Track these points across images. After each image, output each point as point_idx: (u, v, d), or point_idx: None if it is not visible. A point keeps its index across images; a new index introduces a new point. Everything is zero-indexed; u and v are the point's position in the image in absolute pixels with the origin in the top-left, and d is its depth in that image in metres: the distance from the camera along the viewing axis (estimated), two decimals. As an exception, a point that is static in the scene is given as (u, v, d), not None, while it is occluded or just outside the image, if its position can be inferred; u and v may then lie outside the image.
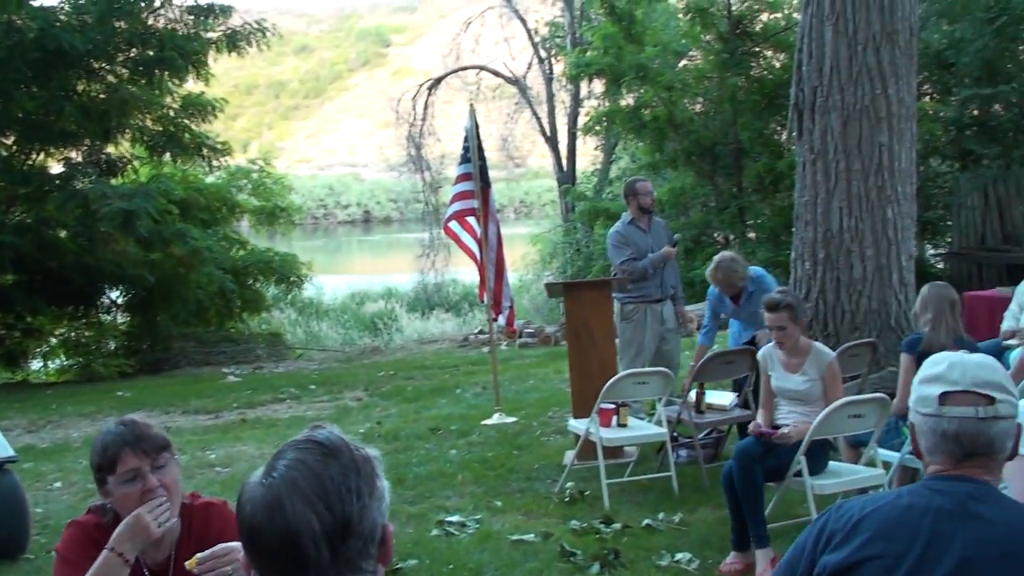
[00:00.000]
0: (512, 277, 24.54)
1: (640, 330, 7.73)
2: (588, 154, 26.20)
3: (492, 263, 8.80)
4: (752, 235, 18.54)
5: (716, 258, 7.08)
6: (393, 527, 1.70)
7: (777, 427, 5.21)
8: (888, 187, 7.83)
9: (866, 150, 7.79)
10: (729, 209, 18.20)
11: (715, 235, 19.13)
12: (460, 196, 8.84)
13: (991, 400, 2.05)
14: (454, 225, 8.87)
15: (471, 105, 9.03)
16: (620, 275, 7.80)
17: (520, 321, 17.72)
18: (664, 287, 7.76)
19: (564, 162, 25.42)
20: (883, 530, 2.00)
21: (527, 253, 26.66)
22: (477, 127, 8.89)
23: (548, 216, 32.88)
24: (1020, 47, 18.51)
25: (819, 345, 5.42)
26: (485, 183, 8.87)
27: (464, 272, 25.43)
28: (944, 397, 2.09)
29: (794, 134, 8.38)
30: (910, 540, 1.97)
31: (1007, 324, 6.97)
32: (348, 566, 1.62)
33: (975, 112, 18.84)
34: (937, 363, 2.16)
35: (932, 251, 20.97)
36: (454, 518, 5.87)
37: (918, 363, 5.36)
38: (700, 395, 6.73)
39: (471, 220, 8.76)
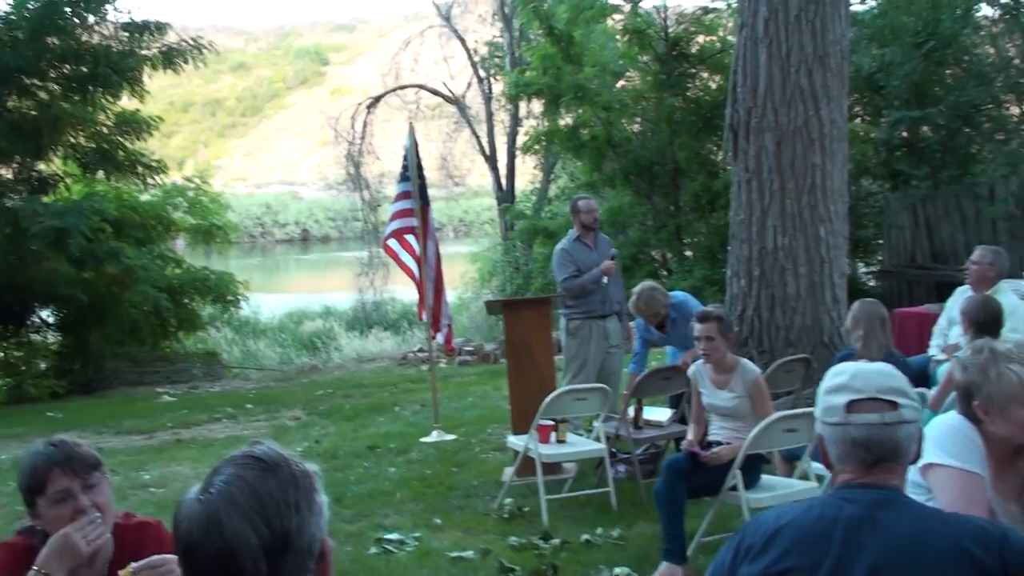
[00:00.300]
0: (451, 295, 24.62)
1: (585, 346, 7.80)
2: (527, 173, 26.35)
3: (431, 281, 8.80)
4: (689, 253, 18.77)
5: (636, 289, 7.12)
6: (332, 543, 1.70)
7: (710, 443, 5.28)
8: (821, 206, 8.00)
9: (799, 170, 7.96)
10: (666, 228, 18.40)
11: (652, 253, 19.34)
12: (399, 214, 8.84)
13: (895, 405, 2.12)
14: (393, 243, 8.86)
15: (410, 124, 9.04)
16: (563, 292, 7.91)
17: (459, 339, 17.72)
18: (609, 303, 7.82)
19: (503, 181, 25.51)
20: (797, 542, 2.04)
21: (466, 271, 26.67)
22: (416, 146, 8.91)
23: (488, 235, 32.97)
24: (947, 71, 19.00)
25: (745, 362, 5.51)
26: (424, 201, 8.88)
27: (403, 290, 25.32)
28: (851, 405, 2.15)
29: (729, 154, 8.52)
30: (823, 551, 2.01)
31: (936, 339, 7.14)
32: None
33: (904, 134, 19.29)
34: (840, 373, 2.22)
35: (864, 269, 21.38)
36: (393, 536, 5.84)
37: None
38: (638, 411, 6.80)
39: (410, 238, 8.76)
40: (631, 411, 6.76)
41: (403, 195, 8.83)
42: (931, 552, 1.95)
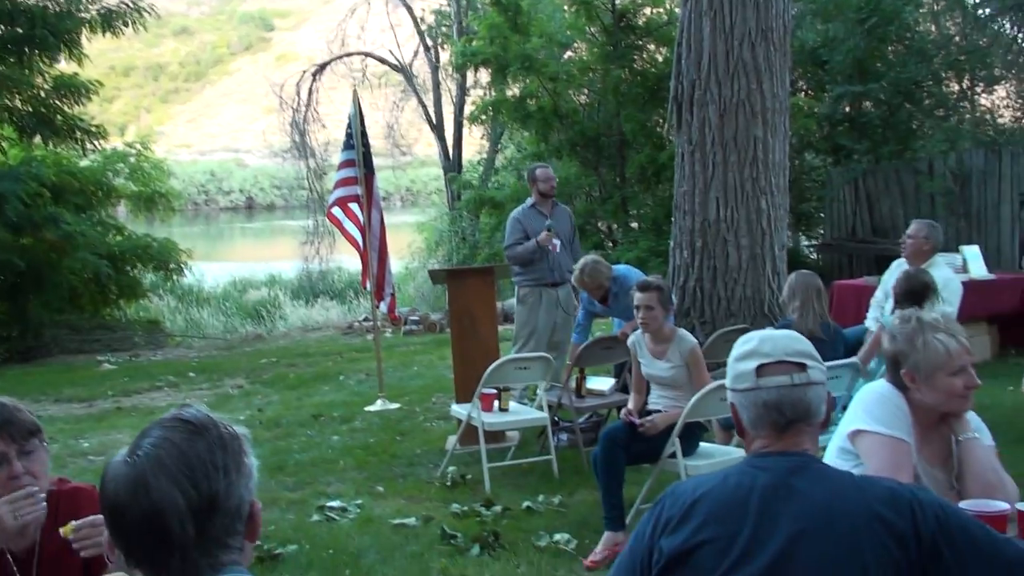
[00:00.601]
0: (398, 265, 24.59)
1: (534, 313, 7.94)
2: (474, 143, 26.23)
3: (375, 250, 8.78)
4: (635, 225, 18.89)
5: (580, 263, 7.10)
6: (261, 505, 1.71)
7: (649, 412, 5.36)
8: (762, 179, 8.09)
9: (741, 143, 8.03)
10: (612, 199, 18.49)
11: (599, 224, 19.42)
12: (343, 182, 8.79)
13: (803, 367, 2.17)
14: (337, 211, 8.82)
15: (354, 91, 8.97)
16: (507, 259, 8.10)
17: (405, 308, 17.69)
18: (560, 271, 7.90)
19: (450, 151, 25.39)
20: (714, 513, 2.07)
21: (413, 241, 26.58)
22: (361, 113, 8.84)
23: (435, 204, 32.82)
24: (889, 47, 19.23)
25: (682, 332, 5.58)
26: (368, 170, 8.83)
27: (349, 259, 25.13)
28: (760, 369, 2.20)
29: (673, 126, 8.57)
30: (740, 520, 2.04)
31: (873, 311, 7.28)
32: (215, 543, 1.62)
33: (847, 109, 19.53)
34: (748, 341, 2.28)
35: (806, 242, 21.68)
36: (335, 503, 5.85)
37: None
38: (581, 380, 6.86)
39: (354, 207, 8.72)
40: (573, 381, 6.82)
41: (347, 163, 8.77)
42: (845, 517, 1.99)
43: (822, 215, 20.40)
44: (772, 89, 8.04)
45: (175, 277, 19.50)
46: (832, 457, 3.05)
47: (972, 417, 2.99)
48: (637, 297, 5.47)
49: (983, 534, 2.03)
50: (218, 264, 28.73)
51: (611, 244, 18.85)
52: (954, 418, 2.93)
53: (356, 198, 8.74)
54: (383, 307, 9.03)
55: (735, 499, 2.09)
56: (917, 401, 2.92)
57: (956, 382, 2.87)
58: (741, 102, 7.98)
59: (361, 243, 8.73)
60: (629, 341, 5.71)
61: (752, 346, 2.26)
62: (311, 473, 6.70)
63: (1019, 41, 20.81)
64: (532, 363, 6.42)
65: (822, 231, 20.52)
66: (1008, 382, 8.47)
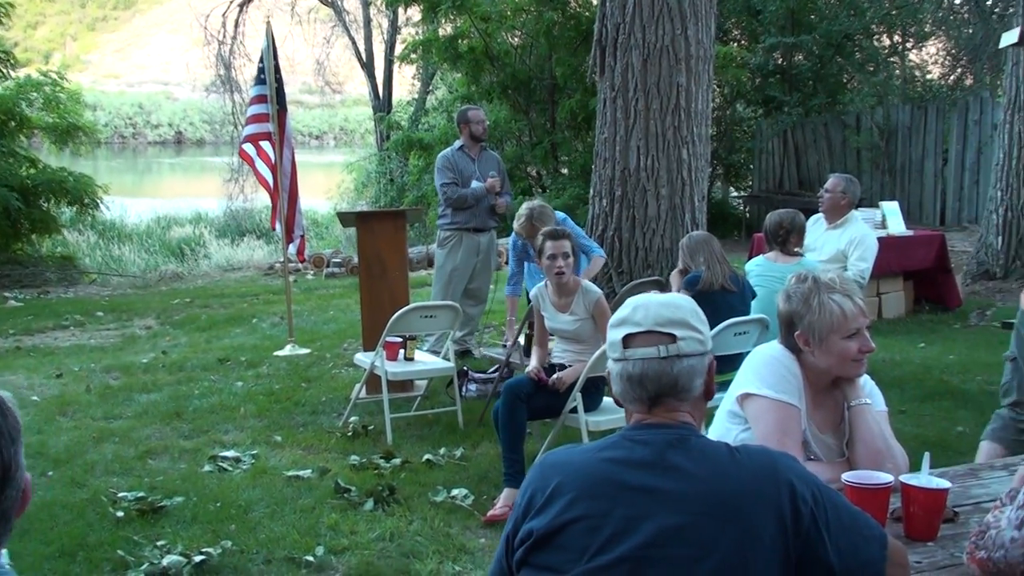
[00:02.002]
0: (327, 205, 24.12)
1: (452, 257, 7.84)
2: (406, 83, 25.75)
3: (285, 190, 8.48)
4: (565, 171, 18.71)
5: (526, 207, 6.64)
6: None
7: (553, 366, 5.22)
8: (684, 128, 7.94)
9: (664, 90, 7.86)
10: (542, 144, 18.26)
11: (528, 169, 19.20)
12: (255, 118, 8.46)
13: (673, 338, 2.01)
14: (249, 148, 8.49)
15: (267, 23, 8.57)
16: (442, 199, 7.94)
17: (328, 250, 17.37)
18: (483, 217, 7.76)
19: (380, 90, 24.88)
20: (585, 489, 1.91)
21: (342, 181, 26.13)
22: (274, 47, 8.48)
23: (368, 145, 32.28)
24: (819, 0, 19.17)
25: (587, 283, 5.43)
26: (281, 107, 8.50)
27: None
28: (628, 340, 2.04)
29: (596, 71, 8.36)
30: (612, 498, 1.88)
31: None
32: (4, 518, 1.45)
33: (779, 60, 19.49)
34: (625, 307, 2.11)
35: (735, 194, 21.75)
36: (229, 453, 5.63)
37: (696, 300, 5.48)
38: (530, 337, 6.50)
39: (265, 145, 8.40)
40: (522, 338, 6.51)
41: (259, 98, 8.44)
42: (723, 495, 1.85)
43: (751, 167, 20.46)
44: (697, 35, 7.85)
45: (91, 212, 18.90)
46: (721, 420, 2.93)
47: (866, 381, 2.88)
48: (552, 246, 5.26)
49: (851, 518, 1.91)
50: (143, 200, 28.00)
51: (540, 190, 18.67)
52: (847, 383, 2.81)
53: (268, 136, 8.42)
54: (292, 249, 8.75)
55: (609, 474, 1.93)
56: (810, 364, 2.79)
57: (851, 345, 2.74)
58: (665, 48, 7.79)
59: (272, 183, 8.43)
60: (531, 294, 5.55)
61: (625, 313, 2.09)
62: (209, 420, 6.46)
63: (950, -2, 20.87)
64: (438, 311, 6.22)
65: (751, 183, 20.58)
66: (920, 338, 8.52)
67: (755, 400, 2.77)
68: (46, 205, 17.83)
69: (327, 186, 28.10)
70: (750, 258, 9.41)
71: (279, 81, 8.47)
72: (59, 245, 19.31)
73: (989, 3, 20.44)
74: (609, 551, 1.84)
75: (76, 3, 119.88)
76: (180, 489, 5.05)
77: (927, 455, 2.43)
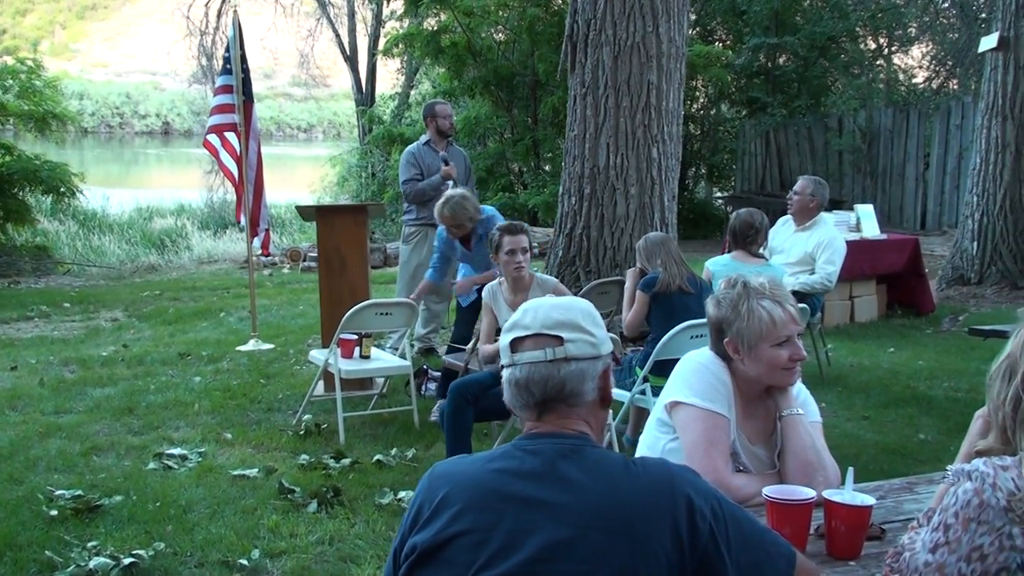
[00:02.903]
0: (310, 199, 23.93)
1: (417, 253, 7.83)
2: (391, 78, 25.58)
3: (251, 183, 8.35)
4: (547, 168, 18.59)
5: (447, 193, 6.43)
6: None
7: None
8: (655, 126, 7.83)
9: (635, 87, 7.75)
10: (523, 141, 18.16)
11: (511, 165, 19.08)
12: (219, 109, 8.31)
13: (560, 340, 1.91)
14: (213, 139, 8.35)
15: (234, 11, 8.44)
16: (404, 194, 7.90)
17: (306, 244, 17.22)
18: None
19: (363, 84, 24.70)
20: (472, 500, 1.81)
21: (325, 175, 25.97)
22: (241, 36, 8.33)
23: (354, 139, 32.11)
24: (805, 1, 19.13)
25: (541, 276, 5.35)
26: (247, 97, 8.36)
27: (266, 192, 24.37)
28: (516, 344, 1.95)
29: (567, 67, 8.25)
30: (500, 511, 1.78)
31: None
32: None
33: (763, 61, 19.42)
34: (518, 311, 2.02)
35: (718, 194, 21.69)
36: (176, 451, 5.50)
37: (653, 301, 5.39)
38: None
39: (230, 136, 8.26)
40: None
41: (224, 88, 8.30)
42: (616, 509, 1.74)
43: (734, 167, 20.40)
44: (669, 33, 7.74)
45: (67, 201, 18.71)
46: (651, 429, 2.83)
47: (799, 391, 2.77)
48: (510, 241, 5.16)
49: (755, 534, 1.82)
50: (128, 191, 27.78)
51: (521, 187, 18.56)
52: (778, 392, 2.70)
53: (233, 127, 8.28)
54: (256, 243, 8.61)
55: (497, 486, 1.82)
56: (740, 372, 2.69)
57: (781, 353, 2.63)
58: (636, 45, 7.68)
59: (236, 175, 8.30)
60: (484, 293, 5.42)
61: (516, 317, 2.00)
62: (161, 416, 6.33)
63: (936, 2, 20.85)
64: (394, 309, 6.09)
65: (733, 183, 20.53)
66: (890, 343, 8.44)
67: (683, 409, 2.66)
68: (21, 194, 17.63)
69: (309, 179, 27.95)
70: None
71: (246, 71, 8.33)
72: (38, 235, 19.14)
73: (974, 8, 20.41)
74: (495, 567, 1.74)
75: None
76: (121, 487, 4.92)
77: (851, 470, 2.34)
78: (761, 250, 6.14)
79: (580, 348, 1.91)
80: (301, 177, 32.63)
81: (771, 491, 2.29)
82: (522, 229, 5.25)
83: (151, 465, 5.32)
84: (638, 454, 2.83)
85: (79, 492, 4.75)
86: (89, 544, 4.17)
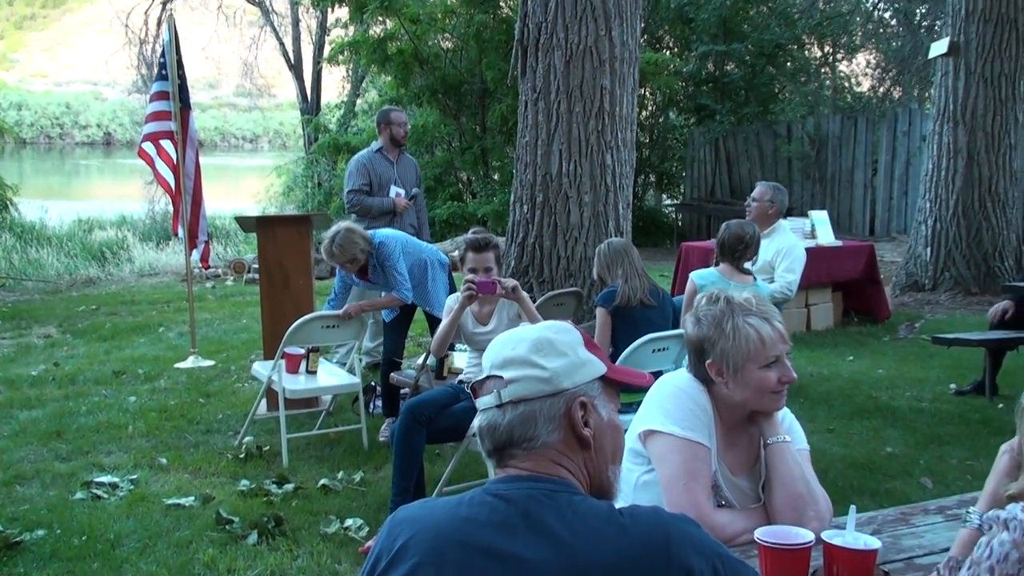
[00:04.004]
0: (255, 209, 23.46)
1: None
2: (337, 86, 25.21)
3: (189, 193, 7.98)
4: (496, 176, 18.33)
5: (330, 233, 5.77)
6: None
7: (462, 383, 4.82)
8: (608, 132, 7.61)
9: (588, 92, 7.52)
10: (472, 150, 17.92)
11: (460, 174, 18.80)
12: (155, 116, 7.94)
13: (504, 381, 1.67)
14: (149, 147, 7.98)
15: (170, 15, 8.10)
16: (347, 205, 7.53)
17: (250, 256, 16.80)
18: (401, 226, 7.28)
19: (309, 92, 24.29)
20: (432, 553, 1.54)
21: (271, 185, 25.50)
22: (177, 41, 7.98)
23: (300, 149, 31.64)
24: (752, 9, 19.12)
25: None
26: (184, 105, 8.00)
27: (210, 202, 23.88)
28: (476, 389, 1.73)
29: (517, 73, 8.01)
30: (463, 565, 1.52)
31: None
32: None
33: (711, 68, 19.38)
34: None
35: (667, 202, 21.59)
36: (105, 479, 5.14)
37: (614, 317, 5.13)
38: (442, 361, 5.84)
39: (166, 144, 7.89)
40: (432, 360, 5.97)
41: (160, 95, 7.93)
42: (595, 567, 1.48)
43: (683, 175, 20.32)
44: (622, 37, 7.52)
45: (0, 214, 18.16)
46: (623, 459, 2.55)
47: (784, 415, 2.53)
48: (473, 259, 4.84)
49: None
50: (68, 203, 27.07)
51: (470, 196, 18.30)
52: (763, 418, 2.45)
53: (169, 135, 7.92)
54: (196, 255, 8.24)
55: (460, 536, 1.55)
56: (723, 397, 2.44)
57: (769, 375, 2.38)
58: (588, 49, 7.45)
59: (173, 185, 7.93)
60: (449, 300, 5.08)
61: (482, 357, 1.76)
62: (91, 440, 5.96)
63: (879, 11, 20.98)
64: (341, 321, 5.77)
65: (682, 191, 20.44)
66: (848, 351, 8.30)
67: (659, 438, 2.41)
68: (-50, 207, 17.06)
69: (254, 189, 27.47)
70: (678, 267, 9.15)
71: (182, 77, 7.97)
72: (-27, 248, 18.55)
73: (917, 17, 20.56)
74: None
75: (3, 1, 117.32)
76: (44, 520, 4.56)
77: (852, 509, 2.09)
78: (749, 265, 5.88)
79: (525, 387, 1.66)
80: (246, 187, 32.06)
81: (764, 534, 2.04)
82: (488, 245, 4.87)
83: (78, 495, 4.96)
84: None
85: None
86: (6, 587, 3.82)
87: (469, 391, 4.35)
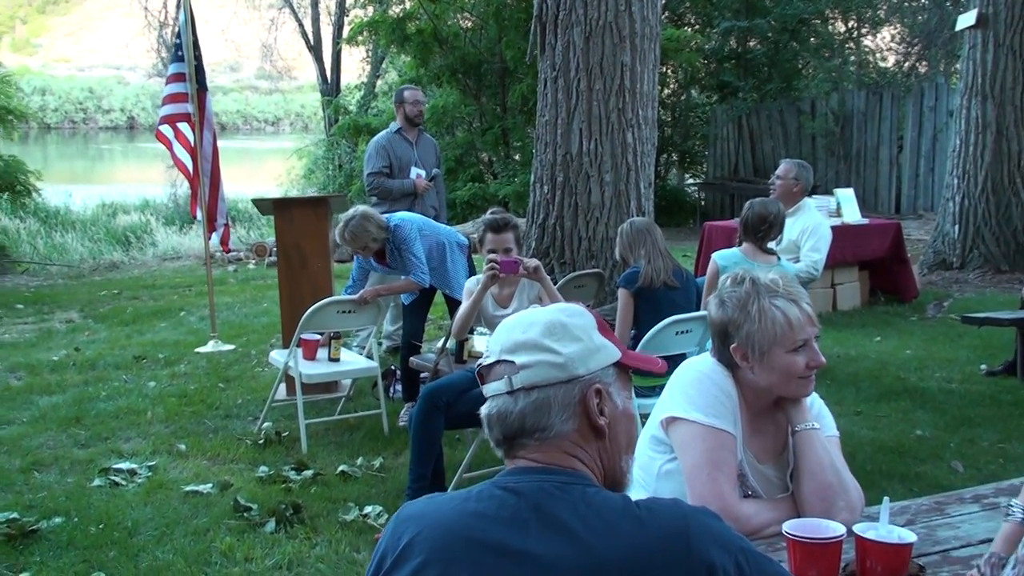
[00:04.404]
0: (277, 192, 23.44)
1: None
2: (356, 68, 25.11)
3: (207, 175, 7.92)
4: (517, 157, 18.21)
5: (344, 217, 5.70)
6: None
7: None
8: (629, 109, 7.49)
9: (608, 69, 7.40)
10: (493, 130, 17.79)
11: (481, 155, 18.69)
12: (172, 98, 7.88)
13: (515, 366, 1.58)
14: (166, 130, 7.92)
15: (183, -5, 8.01)
16: (367, 188, 7.42)
17: (271, 239, 16.77)
18: (421, 207, 7.20)
19: (328, 74, 24.20)
20: (439, 550, 1.46)
21: (292, 168, 25.47)
22: (193, 22, 7.91)
23: (320, 131, 31.61)
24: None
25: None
26: (201, 86, 7.93)
27: (229, 185, 23.99)
28: (482, 375, 1.63)
29: (536, 50, 7.89)
30: (472, 561, 1.44)
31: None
32: None
33: (733, 45, 19.15)
34: (495, 332, 1.68)
35: (690, 180, 21.40)
36: (124, 465, 5.10)
37: (636, 298, 5.02)
38: (462, 344, 5.88)
39: (184, 127, 7.83)
40: (452, 343, 5.86)
41: (176, 77, 7.86)
42: (611, 562, 1.40)
43: (706, 153, 20.11)
44: (642, 12, 7.39)
45: (22, 200, 18.22)
46: (644, 447, 2.46)
47: (813, 401, 2.43)
48: (492, 239, 4.75)
49: None
50: (92, 187, 27.20)
51: (491, 176, 18.19)
52: (791, 404, 2.35)
53: (187, 117, 7.86)
54: (215, 239, 8.19)
55: (468, 532, 1.47)
56: (748, 382, 2.34)
57: (797, 360, 2.28)
58: (608, 24, 7.32)
59: (191, 168, 7.87)
60: (469, 282, 4.99)
61: (490, 340, 1.68)
62: (111, 426, 5.92)
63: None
64: (357, 306, 5.70)
65: (705, 170, 20.24)
66: (876, 332, 8.16)
67: (682, 425, 2.31)
68: (-26, 191, 17.14)
69: (276, 171, 27.45)
70: (701, 247, 9.03)
71: (198, 58, 7.91)
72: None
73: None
74: None
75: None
76: (61, 508, 4.52)
77: (886, 500, 1.99)
78: (773, 245, 5.76)
79: (538, 373, 1.57)
80: (268, 170, 32.07)
81: (793, 527, 1.95)
82: (507, 225, 4.77)
83: (96, 482, 4.92)
84: (629, 474, 2.49)
85: (14, 515, 4.33)
86: (21, 575, 3.78)
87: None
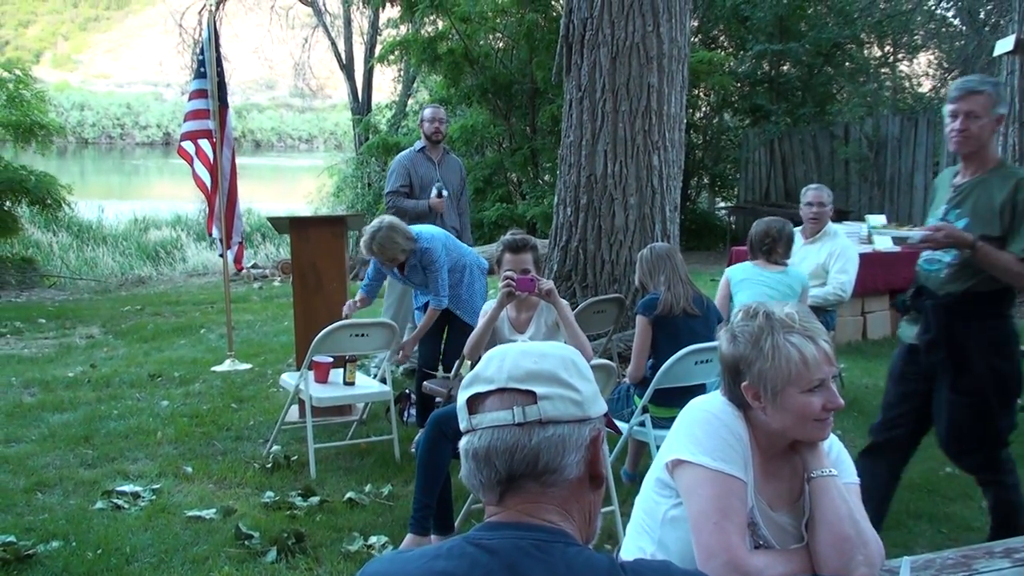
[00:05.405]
0: (307, 210, 23.47)
1: None
2: (388, 87, 25.18)
3: (225, 193, 7.85)
4: (546, 178, 18.10)
5: (370, 228, 5.65)
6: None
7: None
8: (656, 132, 7.34)
9: (634, 90, 7.26)
10: (522, 150, 17.69)
11: (510, 175, 18.60)
12: (194, 115, 7.83)
13: (533, 397, 1.43)
14: (188, 146, 7.86)
15: (210, 12, 7.98)
16: (387, 206, 7.26)
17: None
18: (443, 227, 7.06)
19: (360, 93, 24.24)
20: None
21: (323, 186, 25.53)
22: (217, 38, 7.86)
23: (351, 149, 31.73)
24: (809, 7, 18.69)
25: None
26: (222, 102, 7.87)
27: (260, 202, 24.15)
28: (475, 403, 1.48)
29: (563, 69, 7.77)
30: None
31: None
32: None
33: (766, 68, 18.98)
34: (482, 360, 1.53)
35: (721, 204, 21.21)
36: (127, 488, 4.99)
37: (655, 326, 4.86)
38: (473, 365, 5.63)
39: (204, 144, 7.76)
40: (466, 366, 5.69)
41: (198, 93, 7.81)
42: None
43: (737, 177, 19.93)
44: (670, 33, 7.25)
45: (53, 213, 18.30)
46: (649, 490, 2.31)
47: (832, 445, 2.26)
48: (510, 260, 4.59)
49: None
50: (125, 203, 27.40)
51: (519, 197, 18.08)
52: (807, 448, 2.19)
53: (208, 134, 7.80)
54: (230, 256, 8.10)
55: None
56: (760, 424, 2.18)
57: (813, 401, 2.12)
58: (635, 45, 7.19)
59: (209, 185, 7.80)
60: (484, 305, 4.85)
61: (479, 368, 1.52)
62: (119, 447, 5.82)
63: (942, 9, 20.41)
64: (371, 329, 5.56)
65: (736, 193, 20.05)
66: (907, 364, 7.90)
67: (688, 469, 2.15)
68: (7, 205, 17.21)
69: (306, 189, 27.56)
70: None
71: (221, 75, 7.85)
72: (29, 246, 18.78)
73: (982, 15, 19.95)
74: None
75: (68, 2, 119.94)
76: (60, 531, 4.40)
77: (906, 560, 1.83)
78: (783, 259, 5.67)
79: (560, 408, 1.43)
80: (300, 188, 32.20)
81: (804, 586, 1.79)
82: (526, 246, 4.61)
83: (98, 504, 4.80)
84: (634, 519, 2.33)
85: (11, 538, 4.22)
86: (11, 603, 3.67)
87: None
